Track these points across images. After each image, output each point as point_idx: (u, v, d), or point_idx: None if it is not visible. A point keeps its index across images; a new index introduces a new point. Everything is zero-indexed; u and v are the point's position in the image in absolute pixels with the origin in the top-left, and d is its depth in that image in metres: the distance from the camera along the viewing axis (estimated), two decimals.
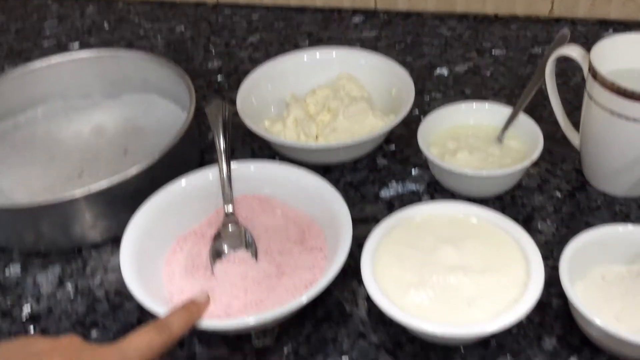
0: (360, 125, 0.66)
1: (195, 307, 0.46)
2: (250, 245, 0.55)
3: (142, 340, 0.41)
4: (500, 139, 0.63)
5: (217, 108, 0.61)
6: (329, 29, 0.93)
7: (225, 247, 0.55)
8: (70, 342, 0.39)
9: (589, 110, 0.58)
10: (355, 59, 0.73)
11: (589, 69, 0.56)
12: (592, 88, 0.56)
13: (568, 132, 0.63)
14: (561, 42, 0.63)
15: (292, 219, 0.58)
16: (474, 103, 0.65)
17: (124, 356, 0.39)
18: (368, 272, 0.49)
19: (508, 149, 0.63)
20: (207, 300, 0.48)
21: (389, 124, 0.64)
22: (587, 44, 0.59)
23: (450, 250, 0.50)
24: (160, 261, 0.55)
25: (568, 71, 0.78)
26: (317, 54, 0.73)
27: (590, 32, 0.87)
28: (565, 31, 0.64)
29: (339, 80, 0.72)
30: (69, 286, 0.56)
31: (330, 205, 0.55)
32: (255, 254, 0.55)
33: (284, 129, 0.68)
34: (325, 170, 0.66)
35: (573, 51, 0.58)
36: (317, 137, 0.67)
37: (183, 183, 0.58)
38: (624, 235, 0.51)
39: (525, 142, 0.62)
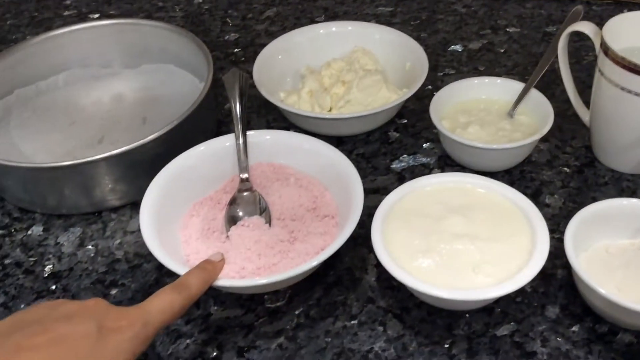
0: (373, 98, 0.67)
1: (211, 266, 0.48)
2: (264, 211, 0.57)
3: (163, 300, 0.43)
4: (511, 114, 0.64)
5: (234, 76, 0.62)
6: (345, 4, 0.94)
7: (240, 213, 0.57)
8: (96, 304, 0.41)
9: (599, 86, 0.58)
10: (370, 33, 0.74)
11: (601, 45, 0.57)
12: (603, 64, 0.57)
13: (578, 109, 0.64)
14: (575, 19, 0.64)
15: (305, 186, 0.59)
16: (486, 78, 0.66)
17: (147, 316, 0.41)
18: (378, 238, 0.50)
19: (519, 123, 0.64)
20: (222, 260, 0.50)
21: (402, 97, 0.65)
22: (602, 24, 0.59)
23: (458, 218, 0.52)
24: (177, 225, 0.57)
25: (582, 50, 0.79)
26: (333, 27, 0.74)
27: (605, 12, 0.87)
28: (579, 7, 0.64)
29: (354, 54, 0.73)
30: (90, 247, 0.59)
31: (343, 174, 0.57)
32: (269, 220, 0.57)
33: (298, 101, 0.69)
34: (338, 141, 0.68)
35: (586, 27, 0.59)
36: (330, 109, 0.68)
37: (200, 150, 0.60)
38: (629, 209, 0.52)
39: (536, 117, 0.63)
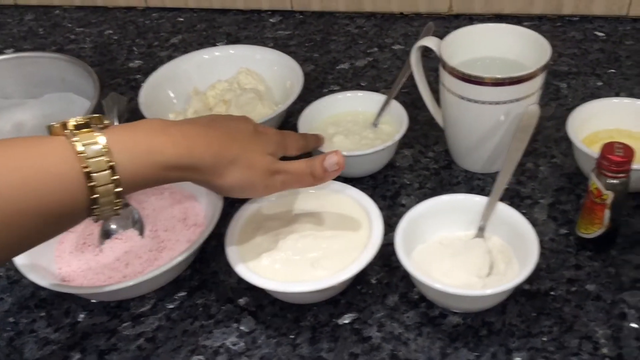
0: (251, 115, 0.71)
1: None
2: (136, 223, 0.61)
3: (295, 136, 0.59)
4: (375, 124, 0.70)
5: (112, 100, 0.67)
6: (247, 29, 0.99)
7: (114, 227, 0.61)
8: (251, 120, 0.55)
9: (443, 95, 0.64)
10: (250, 54, 0.79)
11: (439, 59, 0.62)
12: (444, 76, 0.62)
13: (436, 116, 0.69)
14: (427, 34, 0.69)
15: (178, 199, 0.64)
16: (349, 92, 0.72)
17: (284, 140, 0.56)
18: (231, 241, 0.55)
19: (381, 132, 0.69)
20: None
21: (275, 112, 0.69)
22: None
23: (306, 219, 0.56)
24: (55, 240, 0.61)
25: None
26: (216, 52, 0.80)
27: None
28: (431, 23, 0.70)
29: (239, 75, 0.78)
30: None
31: None
32: (141, 232, 0.61)
33: None
34: None
35: (431, 42, 0.65)
36: None
37: None
38: (462, 204, 0.57)
39: (397, 125, 0.68)
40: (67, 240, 0.61)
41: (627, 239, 0.58)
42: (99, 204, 0.42)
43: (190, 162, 0.46)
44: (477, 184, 0.66)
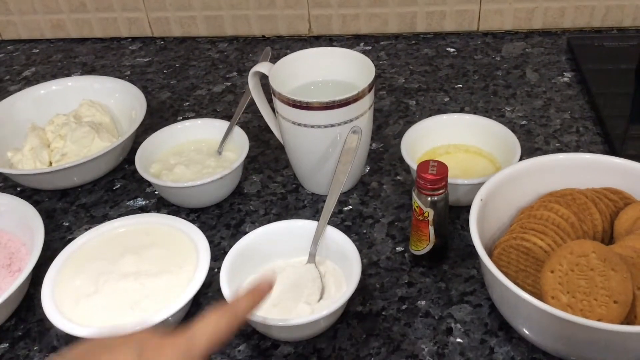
0: (88, 149, 0.69)
1: (258, 291, 0.44)
2: None
3: (208, 324, 0.40)
4: (219, 151, 0.68)
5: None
6: (105, 58, 0.96)
7: None
8: (140, 334, 0.38)
9: (279, 122, 0.63)
10: (89, 85, 0.76)
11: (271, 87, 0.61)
12: (276, 103, 0.61)
13: (281, 139, 0.69)
14: (265, 59, 0.69)
15: (3, 244, 0.60)
16: (187, 122, 0.70)
17: (192, 343, 0.38)
18: (47, 287, 0.51)
19: (225, 159, 0.67)
20: (271, 285, 0.45)
21: (110, 147, 0.67)
22: None
23: (131, 258, 0.54)
24: None
25: None
26: (53, 86, 0.76)
27: (345, 46, 0.94)
28: (268, 48, 0.70)
29: (80, 107, 0.74)
30: None
31: (33, 226, 0.58)
32: None
33: (22, 159, 0.70)
34: (62, 194, 0.69)
35: (264, 68, 0.64)
36: (51, 163, 0.69)
37: None
38: (294, 230, 0.56)
39: (241, 152, 0.67)
40: None
41: (459, 253, 0.59)
42: None
43: None
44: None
